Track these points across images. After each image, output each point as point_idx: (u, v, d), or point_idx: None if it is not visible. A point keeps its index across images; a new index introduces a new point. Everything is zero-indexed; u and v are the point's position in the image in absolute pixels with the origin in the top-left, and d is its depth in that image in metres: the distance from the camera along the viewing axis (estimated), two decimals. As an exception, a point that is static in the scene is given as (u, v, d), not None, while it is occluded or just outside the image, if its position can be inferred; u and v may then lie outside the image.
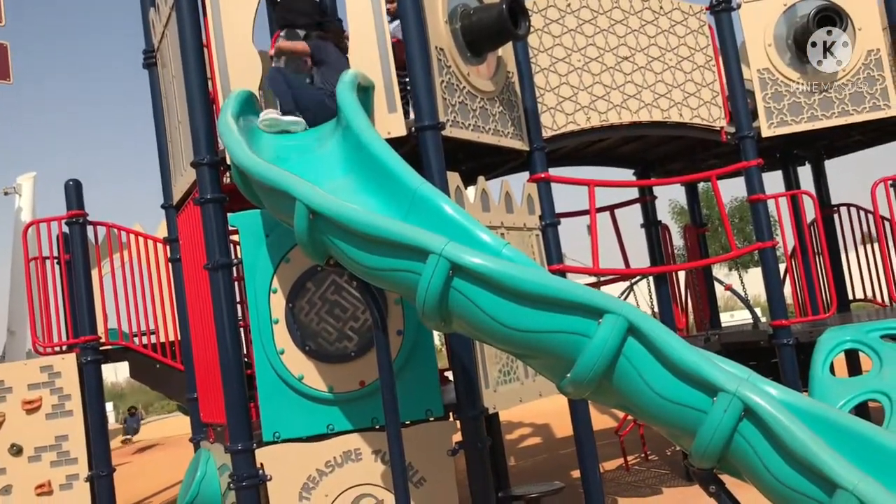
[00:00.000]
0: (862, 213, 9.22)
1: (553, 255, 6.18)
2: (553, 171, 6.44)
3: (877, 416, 4.31)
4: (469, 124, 5.51)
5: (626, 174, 9.20)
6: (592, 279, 7.93)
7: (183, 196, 6.01)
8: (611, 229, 8.65)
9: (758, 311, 9.13)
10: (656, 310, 8.27)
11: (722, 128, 7.25)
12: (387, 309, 4.68)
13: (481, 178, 5.61)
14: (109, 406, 26.25)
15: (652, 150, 8.47)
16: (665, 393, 3.07)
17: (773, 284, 7.01)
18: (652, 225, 8.80)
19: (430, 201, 4.04)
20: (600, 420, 11.22)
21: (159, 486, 13.39)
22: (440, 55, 5.34)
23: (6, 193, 13.05)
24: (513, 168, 6.88)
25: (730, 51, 7.09)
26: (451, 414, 5.01)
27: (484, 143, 5.69)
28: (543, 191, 6.27)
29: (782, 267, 8.39)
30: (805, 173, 9.70)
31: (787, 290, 8.47)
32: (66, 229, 7.98)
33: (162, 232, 8.08)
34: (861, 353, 4.79)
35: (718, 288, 9.69)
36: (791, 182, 9.53)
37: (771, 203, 7.19)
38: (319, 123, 5.05)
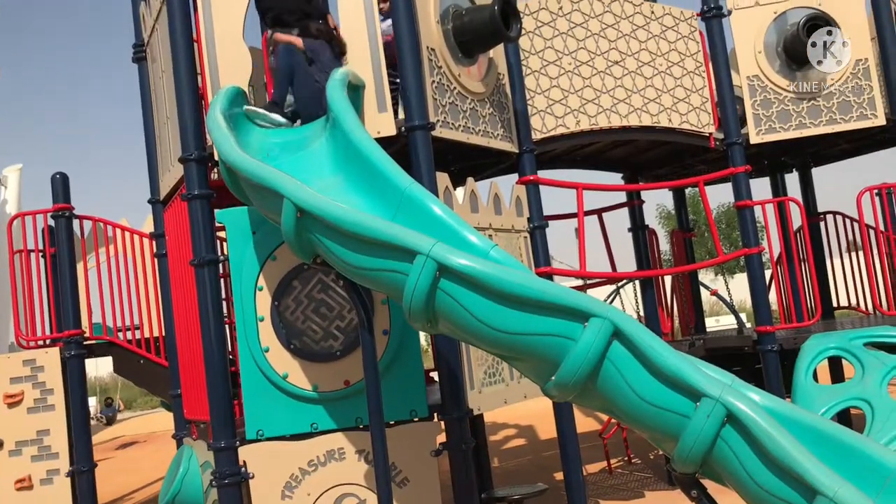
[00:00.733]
0: (848, 221, 9.28)
1: (541, 257, 6.19)
2: (542, 174, 6.45)
3: (858, 423, 4.33)
4: (459, 125, 5.51)
5: (615, 178, 9.23)
6: (579, 282, 7.95)
7: (170, 191, 5.99)
8: (598, 233, 8.69)
9: (743, 316, 9.18)
10: (642, 314, 8.30)
11: (710, 134, 7.28)
12: (373, 308, 4.67)
13: (470, 180, 5.61)
14: (92, 401, 26.12)
15: (640, 155, 8.49)
16: (649, 397, 3.08)
17: (758, 290, 7.05)
18: (639, 229, 8.82)
19: (419, 201, 4.04)
20: (584, 423, 11.25)
21: (141, 482, 13.33)
22: (431, 55, 5.34)
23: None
24: (502, 170, 6.89)
25: (720, 57, 7.13)
26: (435, 415, 5.01)
27: (473, 145, 5.70)
28: (532, 193, 6.28)
29: (768, 273, 8.44)
30: (792, 180, 9.77)
31: (773, 296, 8.53)
32: (51, 222, 7.93)
33: (148, 227, 8.04)
34: (844, 361, 4.82)
35: (704, 293, 9.74)
36: (778, 189, 9.59)
37: (758, 209, 7.23)
38: (309, 115, 5.04)
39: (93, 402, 25.60)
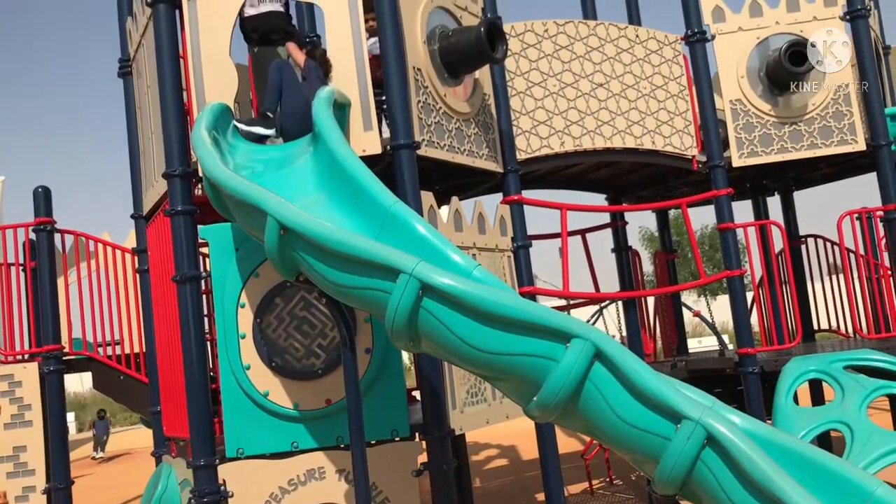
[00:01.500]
0: (828, 244, 9.36)
1: (524, 276, 6.20)
2: (526, 194, 6.47)
3: (838, 445, 4.36)
4: (444, 144, 5.53)
5: (599, 199, 9.28)
6: (562, 302, 7.96)
7: (153, 207, 5.96)
8: (582, 253, 8.72)
9: (725, 338, 9.22)
10: (625, 334, 8.32)
11: (693, 156, 7.34)
12: (356, 327, 4.65)
13: (455, 199, 5.62)
14: (71, 417, 25.81)
15: (624, 177, 8.55)
16: (630, 419, 3.08)
17: (740, 312, 7.09)
18: (622, 250, 8.87)
19: (403, 220, 4.04)
20: (566, 443, 11.23)
21: (119, 499, 13.19)
22: (417, 75, 5.36)
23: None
24: (486, 189, 6.91)
25: (703, 81, 7.20)
26: (417, 434, 4.99)
27: (458, 164, 5.71)
28: (516, 213, 6.30)
29: (750, 295, 8.49)
30: (774, 203, 9.86)
31: (754, 318, 8.57)
32: (32, 236, 7.87)
33: (130, 242, 7.99)
34: (824, 383, 4.86)
35: (686, 314, 9.79)
36: (760, 212, 9.67)
37: (740, 232, 7.29)
38: (294, 130, 5.04)
39: (70, 417, 25.30)
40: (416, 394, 5.96)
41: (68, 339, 7.90)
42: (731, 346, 9.26)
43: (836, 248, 8.85)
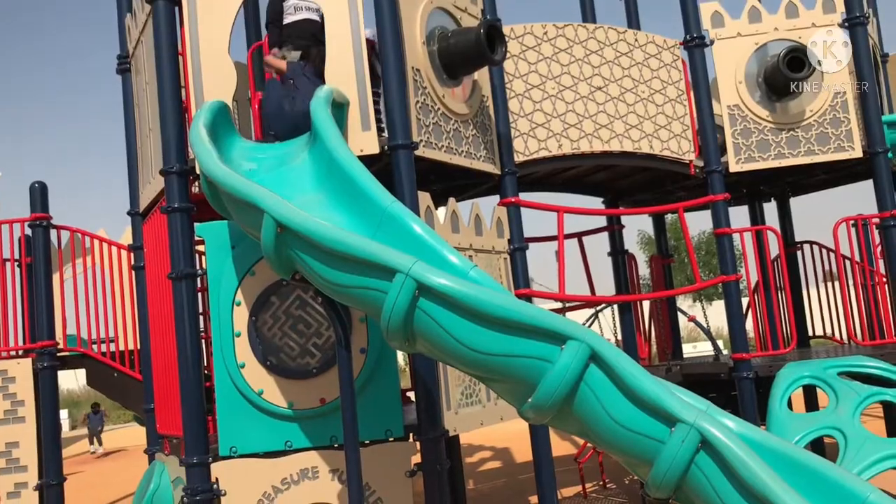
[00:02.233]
0: (824, 251, 9.38)
1: (520, 278, 6.20)
2: (523, 196, 6.47)
3: (832, 451, 4.36)
4: (442, 145, 5.53)
5: (596, 202, 9.28)
6: (558, 305, 7.96)
7: (150, 204, 5.95)
8: (578, 256, 8.72)
9: (720, 343, 9.23)
10: (620, 338, 8.32)
11: (691, 161, 7.35)
12: (351, 326, 4.65)
13: (452, 200, 5.62)
14: (64, 413, 25.74)
15: (621, 180, 8.55)
16: (624, 421, 3.08)
17: (735, 317, 7.09)
18: (619, 253, 8.87)
19: (400, 220, 4.03)
20: (560, 446, 11.24)
21: (111, 496, 13.15)
22: (416, 76, 5.36)
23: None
24: (484, 191, 6.91)
25: (701, 86, 7.22)
26: (411, 435, 4.98)
27: (456, 165, 5.72)
28: (513, 215, 6.30)
29: (745, 301, 8.50)
30: (770, 209, 9.87)
31: (749, 323, 8.58)
32: (28, 231, 7.86)
33: (127, 239, 7.98)
34: (818, 389, 4.86)
35: (682, 319, 9.80)
36: (756, 217, 9.68)
37: (736, 237, 7.29)
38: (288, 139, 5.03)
39: (64, 414, 25.23)
40: (411, 394, 5.96)
41: (63, 335, 7.88)
42: (725, 352, 9.27)
43: (832, 255, 8.86)
